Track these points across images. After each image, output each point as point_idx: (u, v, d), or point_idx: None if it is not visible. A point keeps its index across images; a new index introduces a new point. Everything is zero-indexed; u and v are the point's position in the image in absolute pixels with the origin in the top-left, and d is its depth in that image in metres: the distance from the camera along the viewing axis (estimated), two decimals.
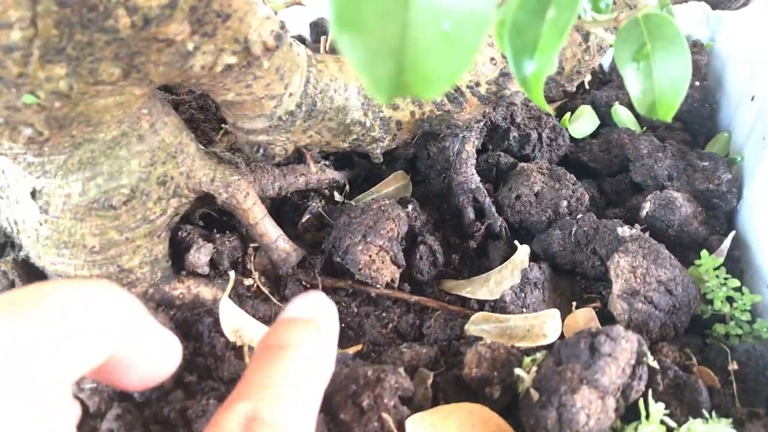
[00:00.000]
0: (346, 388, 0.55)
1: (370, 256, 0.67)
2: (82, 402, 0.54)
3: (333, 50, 0.85)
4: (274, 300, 0.68)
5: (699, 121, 0.94)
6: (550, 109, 0.48)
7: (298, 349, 0.38)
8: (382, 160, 0.71)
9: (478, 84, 0.66)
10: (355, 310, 0.70)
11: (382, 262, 0.68)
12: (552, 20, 0.40)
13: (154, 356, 0.38)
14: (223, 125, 0.76)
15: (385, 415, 0.52)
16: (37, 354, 0.30)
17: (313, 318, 0.41)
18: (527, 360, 0.57)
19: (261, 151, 0.64)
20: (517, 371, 0.55)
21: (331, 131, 0.66)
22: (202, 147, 0.65)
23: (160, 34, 0.48)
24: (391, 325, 0.68)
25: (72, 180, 0.55)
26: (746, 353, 0.62)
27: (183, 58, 0.52)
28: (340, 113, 0.65)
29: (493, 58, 0.66)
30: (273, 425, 0.33)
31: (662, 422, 0.51)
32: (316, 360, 0.38)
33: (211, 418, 0.35)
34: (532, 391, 0.53)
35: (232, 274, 0.65)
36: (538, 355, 0.57)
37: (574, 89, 0.67)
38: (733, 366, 0.61)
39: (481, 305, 0.70)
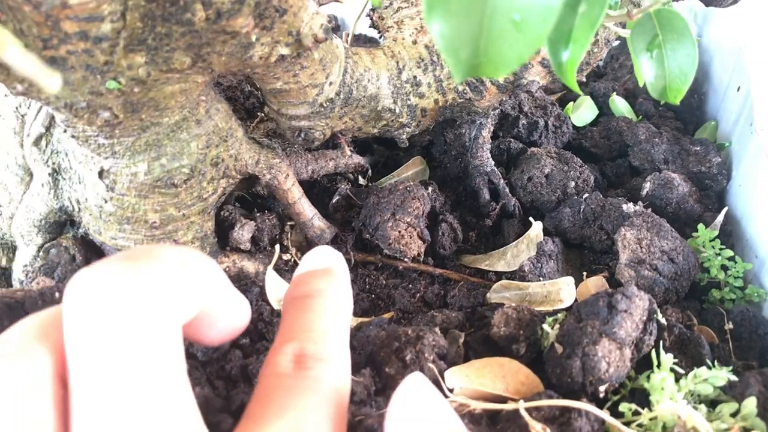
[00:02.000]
0: (389, 345, 0.61)
1: (399, 231, 0.74)
2: None
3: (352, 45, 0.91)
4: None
5: (689, 111, 1.02)
6: (581, 91, 0.54)
7: (323, 295, 0.43)
8: (407, 144, 0.78)
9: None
10: (384, 282, 0.76)
11: (410, 238, 0.74)
12: (584, 14, 0.47)
13: (231, 311, 0.43)
14: (259, 114, 0.82)
15: (430, 365, 0.58)
16: (163, 297, 0.34)
17: (328, 267, 0.46)
18: (549, 320, 0.63)
19: (302, 135, 0.70)
20: (544, 326, 0.61)
21: (364, 117, 0.72)
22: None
23: (228, 27, 0.54)
24: (418, 295, 0.74)
25: (138, 160, 0.61)
26: (740, 314, 0.69)
27: (244, 49, 0.58)
28: (373, 101, 0.71)
29: None
30: (319, 357, 0.38)
31: (671, 370, 0.58)
32: (339, 301, 0.44)
33: (264, 361, 0.40)
34: (557, 345, 0.60)
35: (277, 248, 0.71)
36: (559, 316, 0.64)
37: (584, 79, 0.74)
38: (728, 326, 0.69)
39: (499, 277, 0.76)
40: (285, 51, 0.60)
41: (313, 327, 0.41)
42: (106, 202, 0.63)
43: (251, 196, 0.81)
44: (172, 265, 0.35)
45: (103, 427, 0.29)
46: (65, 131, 0.60)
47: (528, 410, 0.55)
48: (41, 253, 0.68)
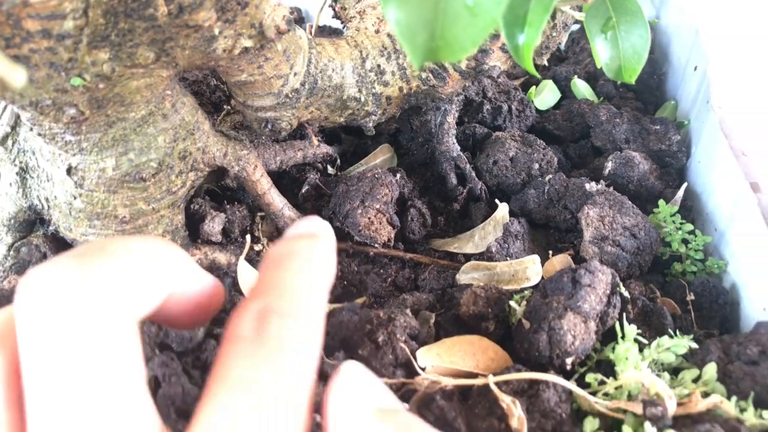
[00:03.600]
0: (361, 328, 0.62)
1: (369, 218, 0.75)
2: None
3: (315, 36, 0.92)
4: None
5: (649, 91, 1.04)
6: (537, 74, 0.55)
7: (301, 254, 0.39)
8: (374, 132, 0.79)
9: (459, 61, 0.74)
10: (356, 268, 0.77)
11: (380, 224, 0.75)
12: None
13: (201, 293, 0.40)
14: (225, 107, 0.82)
15: (402, 345, 0.59)
16: (113, 292, 0.32)
17: (313, 231, 0.42)
18: (516, 297, 0.65)
19: (269, 126, 0.71)
20: (512, 303, 0.63)
21: (330, 107, 0.73)
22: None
23: (191, 21, 0.55)
24: (389, 279, 0.76)
25: (106, 156, 0.61)
26: (701, 285, 0.72)
27: (207, 42, 0.58)
28: (338, 90, 0.72)
29: None
30: (284, 314, 0.34)
31: (635, 340, 0.60)
32: (319, 260, 0.39)
33: (226, 322, 0.36)
34: (524, 321, 0.61)
35: (248, 238, 0.72)
36: (526, 293, 0.65)
37: (545, 63, 0.76)
38: (690, 297, 0.71)
39: (468, 259, 0.78)
40: (248, 43, 0.61)
41: (284, 283, 0.36)
42: (75, 198, 0.64)
43: (221, 189, 0.82)
44: (127, 257, 0.34)
45: (54, 427, 0.29)
46: (31, 130, 0.60)
47: (498, 384, 0.56)
48: (12, 252, 0.68)
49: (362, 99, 0.74)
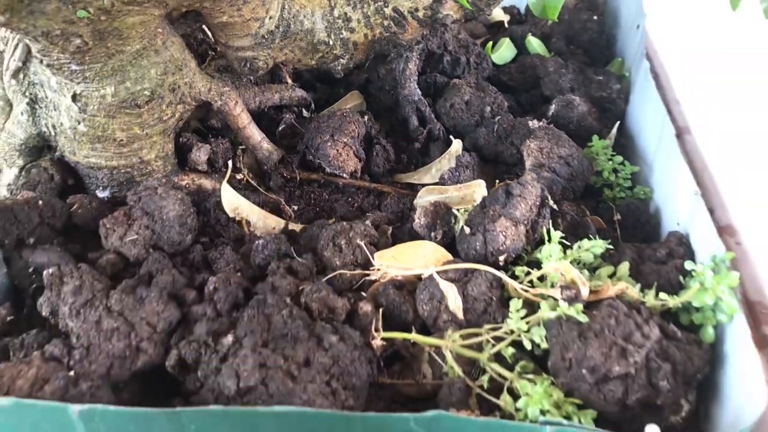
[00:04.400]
0: (326, 236, 0.72)
1: (338, 150, 0.85)
2: (122, 253, 0.70)
3: None
4: (261, 190, 0.85)
5: (598, 50, 1.15)
6: (468, 5, 0.65)
7: None
8: (342, 75, 0.89)
9: (416, 10, 0.84)
10: (326, 197, 0.87)
11: (347, 155, 0.85)
12: None
13: None
14: (210, 52, 0.92)
15: (360, 242, 0.70)
16: None
17: None
18: (461, 210, 0.75)
19: (248, 65, 0.81)
20: (454, 211, 0.73)
21: (302, 50, 0.83)
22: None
23: None
24: (356, 205, 0.86)
25: (106, 84, 0.71)
26: (627, 207, 0.82)
27: None
28: (309, 35, 0.82)
29: None
30: None
31: (560, 242, 0.70)
32: None
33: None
34: (465, 227, 0.72)
35: (230, 163, 0.82)
36: (469, 207, 0.76)
37: (506, 25, 0.85)
38: (617, 217, 0.82)
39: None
40: None
41: None
42: (79, 123, 0.73)
43: (206, 129, 0.91)
44: None
45: None
46: (41, 62, 0.70)
47: (438, 274, 0.67)
48: (23, 173, 0.77)
49: (331, 43, 0.84)
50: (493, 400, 0.61)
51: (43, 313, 0.66)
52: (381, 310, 0.65)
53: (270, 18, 0.77)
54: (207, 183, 0.82)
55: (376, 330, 0.62)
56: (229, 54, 0.80)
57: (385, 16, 0.84)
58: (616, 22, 1.18)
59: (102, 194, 0.78)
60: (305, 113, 0.96)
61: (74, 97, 0.72)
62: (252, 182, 0.85)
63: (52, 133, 0.77)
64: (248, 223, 0.79)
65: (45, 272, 0.66)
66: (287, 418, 0.54)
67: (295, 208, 0.85)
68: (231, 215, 0.79)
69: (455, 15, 0.84)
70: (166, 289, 0.64)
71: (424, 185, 0.89)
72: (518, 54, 1.13)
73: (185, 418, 0.55)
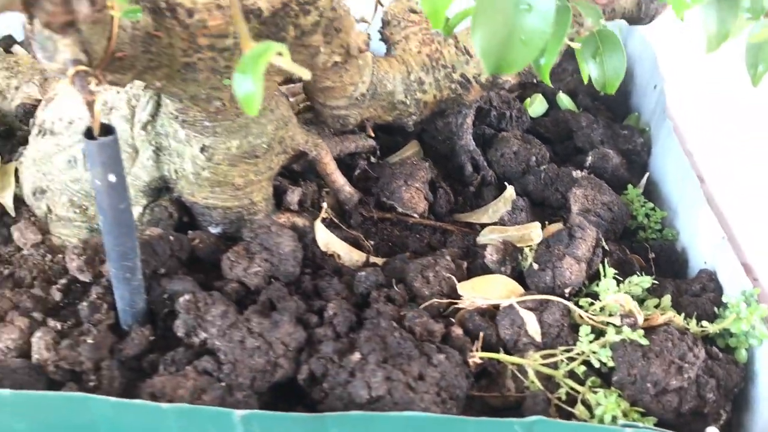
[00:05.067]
0: (415, 269, 0.85)
1: (411, 194, 0.98)
2: (244, 283, 0.82)
3: None
4: (342, 227, 0.97)
5: (616, 105, 1.30)
6: (550, 83, 0.78)
7: None
8: (413, 129, 1.02)
9: (479, 75, 0.98)
10: (398, 233, 1.00)
11: (419, 198, 0.99)
12: (554, 32, 0.72)
13: None
14: (297, 106, 1.04)
15: (446, 275, 0.82)
16: None
17: None
18: (526, 249, 0.89)
19: (340, 121, 0.93)
20: (525, 251, 0.87)
21: (383, 108, 0.96)
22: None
23: (306, 42, 0.78)
24: (425, 241, 0.99)
25: (233, 138, 0.83)
26: (659, 247, 0.97)
27: (312, 57, 0.81)
28: (390, 95, 0.95)
29: None
30: None
31: (614, 277, 0.83)
32: None
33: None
34: (534, 264, 0.85)
35: (324, 204, 0.94)
36: (533, 246, 0.89)
37: (535, 81, 1.00)
38: (651, 255, 0.96)
39: (483, 227, 1.01)
40: (338, 59, 0.83)
41: None
42: (204, 170, 0.85)
43: (288, 172, 1.04)
44: None
45: None
46: (176, 117, 0.82)
47: (518, 304, 0.80)
48: (147, 211, 0.89)
49: (407, 102, 0.97)
50: (569, 409, 0.74)
51: (179, 334, 0.77)
52: (481, 334, 0.77)
53: (363, 83, 0.90)
54: (299, 221, 0.94)
55: (475, 350, 0.75)
56: (324, 112, 0.93)
57: (453, 80, 0.98)
58: (631, 80, 1.34)
59: (214, 230, 0.90)
60: (372, 159, 1.09)
61: (203, 149, 0.84)
62: (335, 220, 0.98)
63: (174, 177, 0.88)
64: (338, 256, 0.91)
65: (181, 299, 0.78)
66: (414, 422, 0.66)
67: (372, 243, 0.97)
68: (323, 249, 0.91)
69: (513, 81, 0.98)
70: (293, 313, 0.76)
71: (481, 224, 1.02)
72: (549, 108, 1.28)
73: (330, 422, 0.66)
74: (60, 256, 0.88)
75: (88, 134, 0.66)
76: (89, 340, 0.76)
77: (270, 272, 0.83)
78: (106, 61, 0.66)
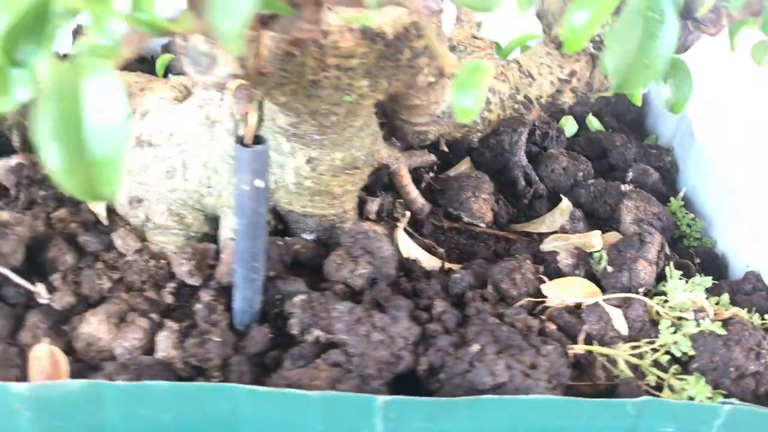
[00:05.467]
0: (501, 271, 0.92)
1: (479, 204, 1.06)
2: (348, 284, 0.88)
3: None
4: (416, 235, 1.04)
5: (636, 126, 1.41)
6: (639, 102, 0.87)
7: None
8: (477, 145, 1.10)
9: (541, 97, 1.07)
10: (464, 242, 1.08)
11: (486, 208, 1.06)
12: None
13: None
14: None
15: (532, 276, 0.90)
16: None
17: None
18: (596, 254, 0.97)
19: (420, 137, 1.01)
20: (596, 255, 0.95)
21: (455, 126, 1.04)
22: None
23: (414, 63, 0.85)
24: (491, 249, 1.07)
25: (338, 150, 0.89)
26: (703, 254, 1.07)
27: (412, 77, 0.88)
28: None
29: (552, 82, 1.07)
30: None
31: (679, 278, 0.93)
32: None
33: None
34: (608, 267, 0.94)
35: (408, 214, 1.01)
36: (602, 252, 0.98)
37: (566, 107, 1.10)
38: (697, 260, 1.06)
39: (540, 236, 1.10)
40: (432, 79, 0.91)
41: None
42: (306, 179, 0.91)
43: None
44: None
45: None
46: (286, 131, 0.88)
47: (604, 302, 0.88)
48: None
49: (477, 120, 1.05)
50: (657, 394, 0.82)
51: (293, 332, 0.83)
52: (584, 327, 0.85)
53: (444, 101, 0.98)
54: (378, 229, 1.01)
55: (581, 341, 0.83)
56: (406, 128, 1.01)
57: (516, 101, 1.06)
58: (646, 103, 1.46)
59: (308, 237, 0.96)
60: (431, 173, 1.17)
61: (309, 160, 0.90)
62: (408, 229, 1.05)
63: (272, 187, 0.94)
64: (419, 262, 0.98)
65: (296, 298, 0.84)
66: (540, 404, 0.73)
67: (442, 250, 1.04)
68: (405, 255, 0.98)
69: (570, 101, 1.07)
70: (407, 310, 0.83)
71: (538, 233, 1.10)
72: (579, 129, 1.38)
73: (461, 405, 0.73)
74: (163, 261, 0.93)
75: (241, 142, 0.73)
76: (216, 338, 0.80)
77: (373, 274, 0.89)
78: (254, 77, 0.72)
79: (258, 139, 0.73)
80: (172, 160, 0.94)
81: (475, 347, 0.79)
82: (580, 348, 0.83)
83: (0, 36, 0.43)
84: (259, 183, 0.74)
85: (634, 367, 0.85)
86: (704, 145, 1.19)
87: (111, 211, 0.99)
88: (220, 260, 0.90)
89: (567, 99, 1.07)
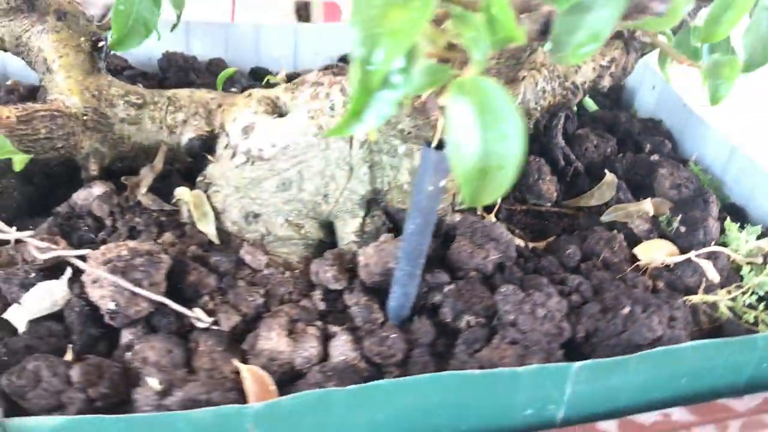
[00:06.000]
0: (597, 242, 1.03)
1: (547, 185, 1.16)
2: (479, 270, 0.95)
3: None
4: (494, 219, 1.13)
5: (618, 104, 1.57)
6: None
7: None
8: (533, 131, 1.20)
9: (585, 83, 1.18)
10: (531, 220, 1.17)
11: (552, 188, 1.17)
12: None
13: None
14: None
15: (624, 243, 1.02)
16: None
17: None
18: (663, 217, 1.10)
19: None
20: (663, 218, 1.08)
21: (521, 113, 1.13)
22: None
23: (524, 60, 0.93)
24: (560, 225, 1.17)
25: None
26: (729, 207, 1.23)
27: (516, 71, 0.96)
28: (527, 104, 1.13)
29: (594, 68, 1.18)
30: None
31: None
32: None
33: None
34: (680, 227, 1.07)
35: (499, 200, 1.09)
36: (668, 216, 1.11)
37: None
38: (723, 215, 1.22)
39: (590, 209, 1.21)
40: (525, 73, 0.99)
41: None
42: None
43: None
44: None
45: None
46: (408, 133, 0.93)
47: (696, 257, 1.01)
48: (367, 220, 0.98)
49: (538, 108, 1.15)
50: (756, 329, 0.97)
51: (447, 319, 0.89)
52: (704, 280, 0.98)
53: (520, 93, 1.07)
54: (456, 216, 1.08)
55: (701, 291, 0.96)
56: None
57: (565, 87, 1.17)
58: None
59: None
60: None
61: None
62: (484, 214, 1.13)
63: (385, 188, 0.99)
64: None
65: (446, 288, 0.90)
66: (701, 349, 0.84)
67: (519, 231, 1.14)
68: None
69: (608, 85, 1.20)
70: (552, 286, 0.91)
71: (588, 207, 1.22)
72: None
73: (633, 361, 0.83)
74: (296, 271, 0.95)
75: (428, 145, 0.78)
76: (393, 335, 0.85)
77: (500, 259, 0.97)
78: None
79: (439, 143, 0.79)
80: (288, 173, 0.96)
81: (626, 310, 0.89)
82: (697, 298, 0.95)
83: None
84: (443, 183, 0.79)
85: (731, 309, 0.99)
86: (698, 113, 1.36)
87: (219, 230, 0.99)
88: (359, 263, 0.93)
89: (606, 83, 1.19)
